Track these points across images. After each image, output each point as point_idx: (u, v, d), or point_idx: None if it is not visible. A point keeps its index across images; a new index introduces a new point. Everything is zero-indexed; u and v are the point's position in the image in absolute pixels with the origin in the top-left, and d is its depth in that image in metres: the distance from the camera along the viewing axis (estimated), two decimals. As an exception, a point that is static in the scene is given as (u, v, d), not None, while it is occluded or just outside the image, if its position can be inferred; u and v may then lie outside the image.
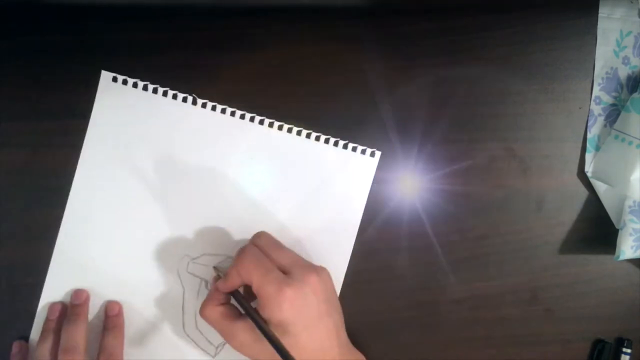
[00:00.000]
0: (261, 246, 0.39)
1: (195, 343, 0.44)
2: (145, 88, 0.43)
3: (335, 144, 0.44)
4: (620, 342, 0.47)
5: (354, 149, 0.44)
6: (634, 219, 0.44)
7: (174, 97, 0.43)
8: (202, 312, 0.40)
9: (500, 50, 0.45)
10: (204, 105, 0.43)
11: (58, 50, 0.43)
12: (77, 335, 0.41)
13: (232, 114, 0.43)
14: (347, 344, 0.40)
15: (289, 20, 0.44)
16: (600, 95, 0.46)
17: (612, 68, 0.46)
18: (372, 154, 0.45)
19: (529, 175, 0.46)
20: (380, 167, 0.44)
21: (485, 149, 0.45)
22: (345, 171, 0.45)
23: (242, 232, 0.44)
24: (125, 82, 0.43)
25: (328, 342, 0.38)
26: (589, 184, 0.46)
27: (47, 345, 0.41)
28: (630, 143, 0.44)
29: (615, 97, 0.46)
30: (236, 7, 0.43)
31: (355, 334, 0.42)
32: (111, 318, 0.43)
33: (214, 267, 0.43)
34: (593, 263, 0.47)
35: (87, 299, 0.43)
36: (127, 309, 0.44)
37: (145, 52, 0.43)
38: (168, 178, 0.43)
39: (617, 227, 0.46)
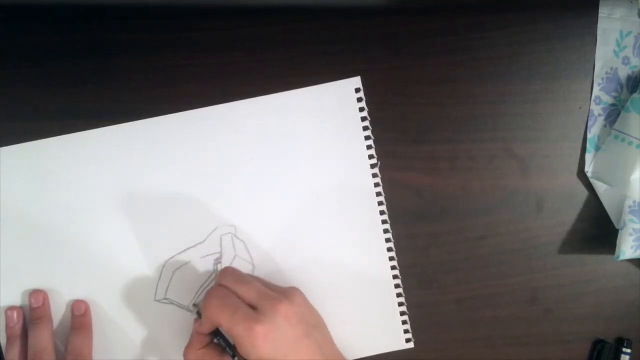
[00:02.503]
0: (226, 284, 0.39)
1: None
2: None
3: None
4: (620, 342, 0.47)
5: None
6: (634, 219, 0.44)
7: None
8: (185, 356, 0.40)
9: (500, 50, 0.45)
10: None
11: (58, 50, 0.43)
12: (44, 339, 0.41)
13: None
14: (335, 355, 0.40)
15: (289, 21, 0.44)
16: (600, 95, 0.46)
17: (612, 68, 0.46)
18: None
19: (529, 175, 0.46)
20: (380, 166, 0.45)
21: (485, 149, 0.45)
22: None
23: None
24: None
25: None
26: (589, 184, 0.46)
27: (15, 351, 0.41)
28: (630, 143, 0.44)
29: (615, 97, 0.46)
30: (236, 7, 0.43)
31: (355, 334, 0.42)
32: (78, 318, 0.43)
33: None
34: (593, 263, 0.47)
35: (46, 299, 0.43)
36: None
37: (146, 51, 0.43)
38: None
39: (617, 227, 0.46)
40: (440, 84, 0.45)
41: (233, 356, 0.38)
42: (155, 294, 0.44)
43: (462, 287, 0.46)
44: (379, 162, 0.44)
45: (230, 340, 0.39)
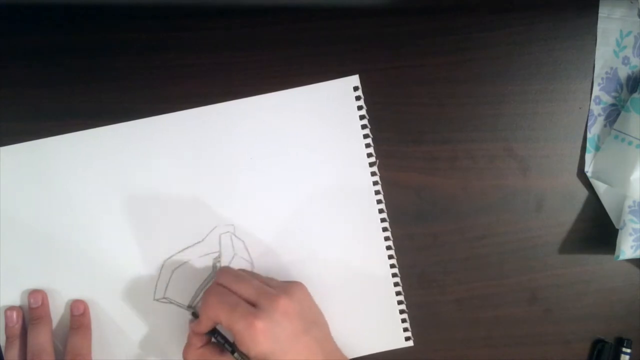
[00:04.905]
0: (224, 283, 0.39)
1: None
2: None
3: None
4: (620, 342, 0.47)
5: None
6: (634, 219, 0.44)
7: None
8: (185, 356, 0.40)
9: (500, 50, 0.45)
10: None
11: (58, 51, 0.43)
12: (43, 339, 0.41)
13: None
14: (334, 352, 0.40)
15: (289, 21, 0.44)
16: (600, 95, 0.46)
17: (612, 68, 0.46)
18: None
19: (529, 175, 0.46)
20: (380, 166, 0.45)
21: (485, 148, 0.45)
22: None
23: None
24: None
25: (312, 358, 0.38)
26: (589, 184, 0.46)
27: (15, 351, 0.42)
28: (630, 143, 0.44)
29: (615, 97, 0.46)
30: (236, 7, 0.43)
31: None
32: (77, 317, 0.43)
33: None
34: (593, 263, 0.47)
35: (45, 299, 0.43)
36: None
37: (146, 51, 0.43)
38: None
39: (617, 227, 0.46)
40: (440, 84, 0.45)
41: (233, 352, 0.38)
42: (155, 293, 0.44)
43: (462, 287, 0.46)
44: (377, 161, 0.44)
45: (229, 338, 0.39)
